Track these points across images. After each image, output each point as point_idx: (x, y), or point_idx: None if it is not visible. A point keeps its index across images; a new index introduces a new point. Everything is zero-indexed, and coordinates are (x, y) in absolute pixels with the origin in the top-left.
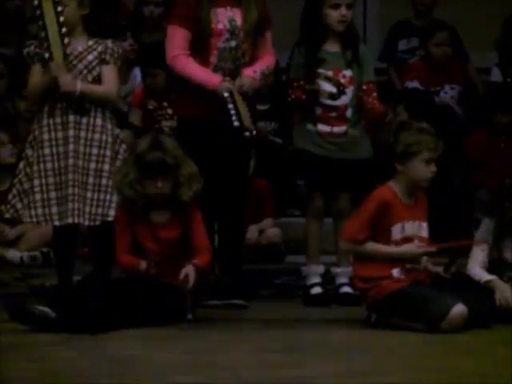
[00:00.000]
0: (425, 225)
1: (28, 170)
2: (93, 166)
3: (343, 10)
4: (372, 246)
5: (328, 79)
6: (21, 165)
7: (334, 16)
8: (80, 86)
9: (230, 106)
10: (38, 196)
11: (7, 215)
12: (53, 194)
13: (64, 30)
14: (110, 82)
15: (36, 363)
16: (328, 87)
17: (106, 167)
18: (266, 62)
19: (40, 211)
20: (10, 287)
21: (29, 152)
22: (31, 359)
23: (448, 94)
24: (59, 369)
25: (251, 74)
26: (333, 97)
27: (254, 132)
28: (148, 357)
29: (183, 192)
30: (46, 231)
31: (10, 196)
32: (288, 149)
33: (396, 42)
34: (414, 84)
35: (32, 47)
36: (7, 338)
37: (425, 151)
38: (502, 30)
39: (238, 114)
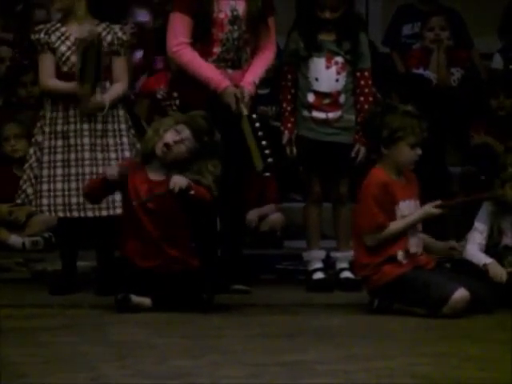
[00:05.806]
0: (418, 203)
1: (39, 155)
2: (113, 155)
3: None
4: (394, 225)
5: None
6: (31, 150)
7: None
8: (107, 101)
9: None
10: (44, 186)
11: (18, 200)
12: (59, 186)
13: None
14: (123, 77)
15: (38, 348)
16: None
17: (127, 154)
18: (266, 60)
19: (45, 201)
20: (12, 272)
21: (39, 138)
22: (33, 344)
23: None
24: (62, 353)
25: (250, 86)
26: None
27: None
28: (149, 341)
29: (206, 177)
30: (49, 217)
31: (22, 181)
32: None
33: (400, 27)
34: (420, 71)
35: (42, 34)
36: (7, 323)
37: (410, 136)
38: (502, 17)
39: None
